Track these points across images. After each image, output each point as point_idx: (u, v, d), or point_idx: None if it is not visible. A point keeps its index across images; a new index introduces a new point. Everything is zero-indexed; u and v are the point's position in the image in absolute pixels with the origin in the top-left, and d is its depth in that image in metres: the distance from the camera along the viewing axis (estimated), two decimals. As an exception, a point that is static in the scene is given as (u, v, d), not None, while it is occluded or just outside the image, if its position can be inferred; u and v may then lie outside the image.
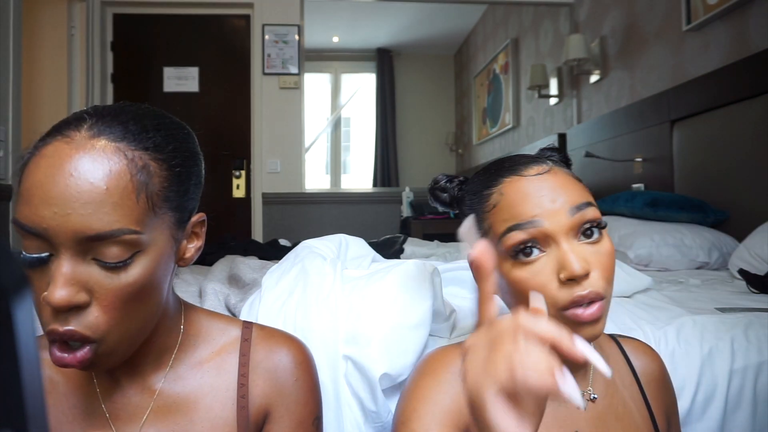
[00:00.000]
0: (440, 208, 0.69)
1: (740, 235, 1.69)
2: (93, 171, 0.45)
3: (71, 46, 3.08)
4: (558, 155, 0.64)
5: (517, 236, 0.53)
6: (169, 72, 3.55)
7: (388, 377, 0.77)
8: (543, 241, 0.53)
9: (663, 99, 2.23)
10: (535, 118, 3.92)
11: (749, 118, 1.75)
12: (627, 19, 2.70)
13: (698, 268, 1.72)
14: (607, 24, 2.93)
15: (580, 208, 0.53)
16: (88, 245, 0.45)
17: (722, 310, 1.03)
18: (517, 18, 4.25)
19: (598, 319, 0.52)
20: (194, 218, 0.55)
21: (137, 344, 0.51)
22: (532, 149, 3.57)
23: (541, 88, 3.55)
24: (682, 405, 0.82)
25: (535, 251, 0.53)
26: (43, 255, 0.45)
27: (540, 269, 0.53)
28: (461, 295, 0.98)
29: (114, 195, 0.45)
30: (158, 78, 3.54)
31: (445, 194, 0.67)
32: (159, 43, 3.57)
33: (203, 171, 0.57)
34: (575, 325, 0.53)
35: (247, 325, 0.63)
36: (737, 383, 0.85)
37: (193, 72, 3.57)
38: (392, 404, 0.79)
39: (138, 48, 3.55)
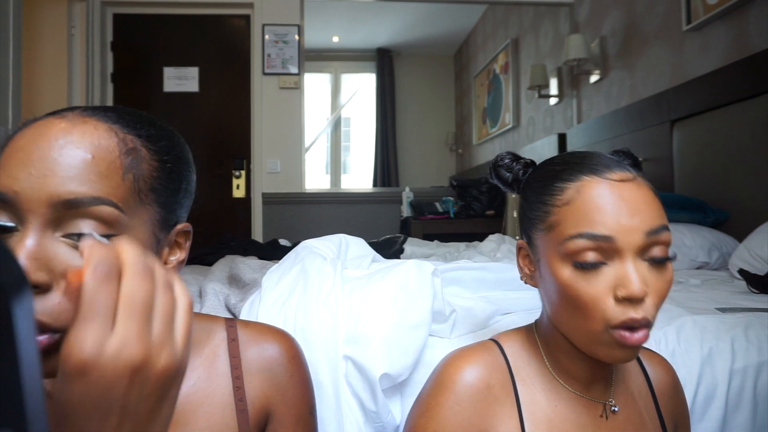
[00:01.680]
0: (500, 186, 0.65)
1: (740, 235, 1.69)
2: (81, 141, 0.43)
3: (71, 46, 3.08)
4: (631, 162, 0.58)
5: (584, 244, 0.50)
6: (169, 72, 3.55)
7: (388, 377, 0.77)
8: (609, 253, 0.50)
9: (663, 99, 2.23)
10: (535, 118, 3.92)
11: (749, 118, 1.75)
12: (627, 19, 2.70)
13: (698, 268, 1.71)
14: (607, 24, 2.93)
15: (657, 231, 0.50)
16: (62, 215, 0.40)
17: (722, 310, 1.03)
18: (517, 18, 4.25)
19: (640, 345, 0.51)
20: (180, 226, 0.52)
21: None
22: (532, 149, 3.59)
23: (541, 88, 3.55)
24: (682, 405, 0.82)
25: (600, 264, 0.51)
26: (9, 224, 0.40)
27: (599, 282, 0.50)
28: (461, 295, 0.98)
29: (100, 165, 0.42)
30: (158, 78, 3.54)
31: (509, 174, 0.63)
32: (159, 43, 3.56)
33: (194, 183, 0.54)
34: (617, 346, 0.51)
35: (231, 323, 0.60)
36: (737, 383, 0.85)
37: (193, 72, 3.57)
38: (392, 404, 0.79)
39: (138, 48, 3.55)
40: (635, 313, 0.49)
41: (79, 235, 0.41)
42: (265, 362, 0.58)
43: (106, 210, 0.42)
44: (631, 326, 0.49)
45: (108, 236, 0.42)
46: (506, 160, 0.64)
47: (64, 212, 0.41)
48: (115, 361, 0.29)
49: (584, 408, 0.58)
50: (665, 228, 0.51)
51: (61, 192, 0.40)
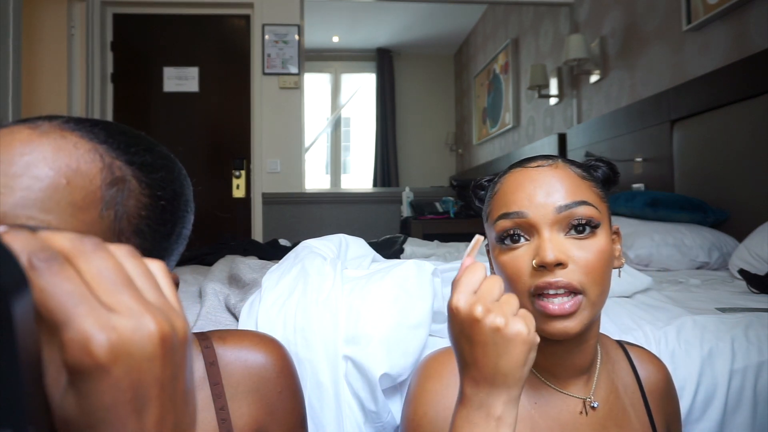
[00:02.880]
0: (480, 206, 0.69)
1: (740, 235, 1.69)
2: (54, 160, 0.34)
3: (71, 46, 3.08)
4: (605, 166, 0.62)
5: (503, 224, 0.56)
6: (169, 72, 3.55)
7: (388, 377, 0.77)
8: (528, 230, 0.55)
9: (663, 99, 2.23)
10: (535, 118, 3.92)
11: (749, 118, 1.75)
12: (627, 19, 2.70)
13: (698, 268, 1.72)
14: (607, 24, 2.93)
15: (570, 206, 0.54)
16: None
17: (722, 310, 1.03)
18: (517, 18, 4.25)
19: (570, 314, 0.51)
20: None
21: None
22: (532, 149, 3.58)
23: (541, 88, 3.55)
24: (683, 405, 0.82)
25: (522, 239, 0.55)
26: None
27: (520, 255, 0.55)
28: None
29: (75, 194, 0.34)
30: (158, 78, 3.54)
31: (483, 192, 0.68)
32: (159, 43, 3.56)
33: (191, 225, 0.45)
34: (545, 318, 0.52)
35: (206, 344, 0.52)
36: (737, 383, 0.85)
37: (193, 72, 3.57)
38: (392, 404, 0.79)
39: (138, 48, 3.55)
40: (551, 277, 0.52)
41: None
42: (252, 383, 0.53)
43: None
44: (548, 291, 0.52)
45: None
46: (482, 181, 0.68)
47: None
48: (142, 338, 0.22)
49: (564, 404, 0.59)
50: (582, 203, 0.54)
51: (19, 215, 0.31)
